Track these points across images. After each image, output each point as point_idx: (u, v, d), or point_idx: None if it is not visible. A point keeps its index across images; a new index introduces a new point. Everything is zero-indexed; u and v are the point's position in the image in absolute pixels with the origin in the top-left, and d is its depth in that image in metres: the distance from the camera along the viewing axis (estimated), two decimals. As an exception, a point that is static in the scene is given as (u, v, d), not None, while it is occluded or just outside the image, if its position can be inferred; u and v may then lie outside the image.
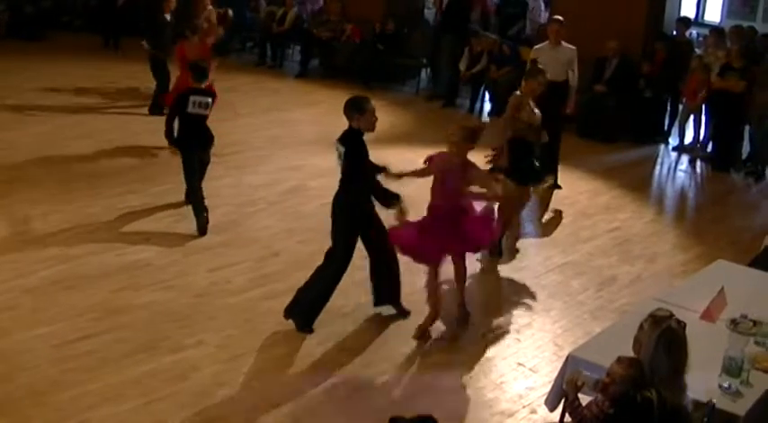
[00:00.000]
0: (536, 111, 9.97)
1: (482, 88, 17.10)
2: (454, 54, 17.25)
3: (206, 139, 10.74)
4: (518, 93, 10.16)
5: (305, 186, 12.01)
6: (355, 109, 8.48)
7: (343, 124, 8.48)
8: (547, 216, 11.84)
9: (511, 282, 9.81)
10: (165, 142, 11.10)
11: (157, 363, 7.53)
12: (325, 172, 12.28)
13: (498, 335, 8.53)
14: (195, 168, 10.54)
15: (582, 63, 12.73)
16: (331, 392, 7.29)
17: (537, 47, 12.76)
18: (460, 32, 17.42)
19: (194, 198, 10.50)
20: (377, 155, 12.87)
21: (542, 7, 18.50)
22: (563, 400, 6.34)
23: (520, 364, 7.99)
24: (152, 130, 14.03)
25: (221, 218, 10.65)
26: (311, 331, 8.16)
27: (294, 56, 20.46)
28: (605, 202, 12.48)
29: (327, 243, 10.06)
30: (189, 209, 10.48)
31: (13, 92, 16.03)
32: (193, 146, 10.59)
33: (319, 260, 9.32)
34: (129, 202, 10.99)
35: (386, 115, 15.98)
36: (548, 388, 7.04)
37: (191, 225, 10.22)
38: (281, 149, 13.76)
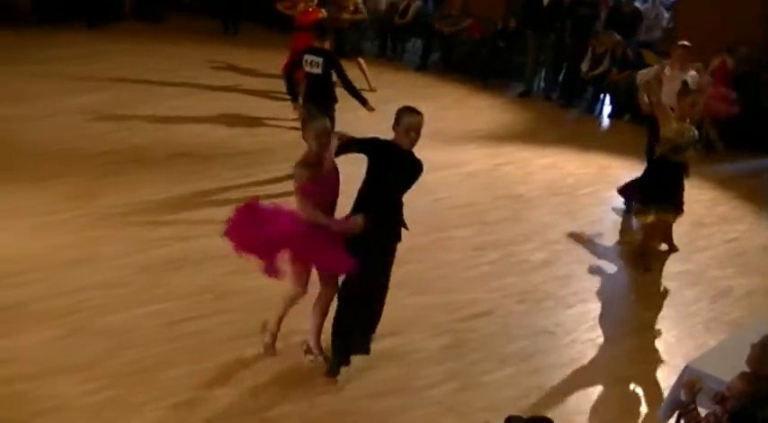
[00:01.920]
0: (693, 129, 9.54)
1: (603, 90, 16.87)
2: (575, 54, 17.03)
3: (327, 98, 11.46)
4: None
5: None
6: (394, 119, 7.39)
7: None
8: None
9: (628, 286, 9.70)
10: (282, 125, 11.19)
11: (259, 349, 7.59)
12: (440, 167, 12.29)
13: (610, 339, 8.41)
14: None
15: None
16: (437, 387, 7.25)
17: (657, 72, 11.79)
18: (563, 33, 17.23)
19: None
20: (494, 152, 12.89)
21: (664, 13, 18.08)
22: (677, 412, 6.22)
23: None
24: (271, 114, 14.21)
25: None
26: None
27: (414, 49, 20.42)
28: (723, 212, 12.13)
29: (438, 238, 10.10)
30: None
31: (133, 73, 16.35)
32: (315, 104, 11.06)
33: (426, 257, 9.35)
34: (244, 186, 11.09)
35: (503, 113, 15.97)
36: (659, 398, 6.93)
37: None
38: (397, 142, 13.65)
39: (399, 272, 9.02)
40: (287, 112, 14.18)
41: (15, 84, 15.15)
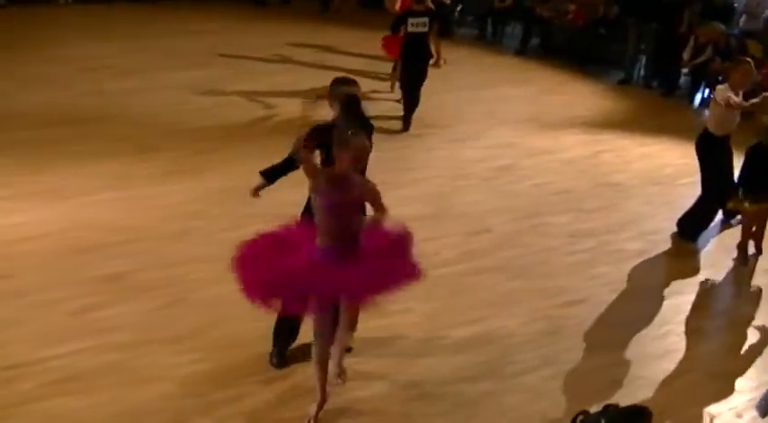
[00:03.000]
0: None
1: (703, 80, 16.65)
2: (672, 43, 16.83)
3: (424, 54, 13.22)
4: None
5: (518, 165, 11.96)
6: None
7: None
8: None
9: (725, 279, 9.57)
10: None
11: (363, 327, 7.62)
12: (539, 152, 12.31)
13: (705, 332, 8.36)
14: (413, 77, 13.09)
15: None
16: (530, 373, 7.27)
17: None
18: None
19: (410, 98, 13.12)
20: (593, 139, 12.82)
21: (766, 2, 17.72)
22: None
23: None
24: (366, 92, 14.29)
25: (433, 189, 10.81)
26: None
27: (514, 33, 20.35)
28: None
29: (536, 223, 10.10)
30: (401, 184, 10.64)
31: (233, 50, 16.60)
32: (413, 59, 12.96)
33: (524, 242, 9.38)
34: (345, 166, 11.20)
35: (602, 100, 15.87)
36: (756, 394, 6.87)
37: (404, 193, 10.35)
38: (496, 126, 13.73)
39: (498, 256, 9.17)
40: (382, 90, 14.32)
41: (123, 58, 15.58)
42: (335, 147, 5.96)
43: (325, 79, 14.73)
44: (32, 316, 7.51)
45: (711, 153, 9.79)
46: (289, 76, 15.36)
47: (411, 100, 13.23)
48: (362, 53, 16.63)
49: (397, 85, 13.91)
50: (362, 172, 6.36)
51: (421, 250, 9.03)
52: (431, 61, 13.90)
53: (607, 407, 5.20)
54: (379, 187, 9.37)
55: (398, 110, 13.38)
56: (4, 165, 10.64)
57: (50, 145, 11.38)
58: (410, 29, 12.99)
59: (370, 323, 7.64)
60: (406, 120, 13.19)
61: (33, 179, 10.27)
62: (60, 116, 12.55)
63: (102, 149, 11.28)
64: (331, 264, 5.90)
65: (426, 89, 13.73)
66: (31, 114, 12.58)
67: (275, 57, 16.58)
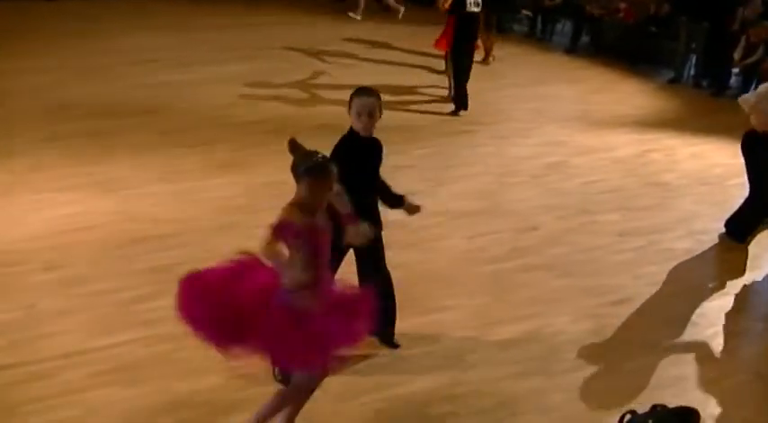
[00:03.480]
0: None
1: (755, 80, 16.50)
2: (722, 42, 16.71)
3: (476, 35, 13.86)
4: None
5: (567, 163, 11.92)
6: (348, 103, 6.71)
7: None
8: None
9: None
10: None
11: (408, 322, 7.61)
12: (589, 150, 12.28)
13: (754, 334, 8.28)
14: (468, 56, 13.68)
15: None
16: (578, 371, 7.23)
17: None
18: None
19: (462, 77, 13.61)
20: (642, 138, 12.75)
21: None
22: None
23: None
24: (419, 90, 14.33)
25: (482, 186, 10.80)
26: None
27: (564, 30, 20.28)
28: None
29: (585, 222, 10.07)
30: (448, 181, 10.64)
31: (284, 44, 16.68)
32: (467, 39, 13.53)
33: (573, 240, 9.35)
34: (394, 161, 11.19)
35: (652, 99, 15.79)
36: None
37: (452, 189, 10.37)
38: (545, 123, 13.70)
39: (546, 253, 9.14)
40: (435, 88, 14.35)
41: (177, 50, 15.77)
42: (309, 179, 5.18)
43: (374, 75, 15.04)
44: (82, 306, 7.59)
45: (757, 152, 9.71)
46: (338, 71, 15.42)
47: (463, 78, 13.71)
48: (419, 49, 16.65)
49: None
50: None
51: (469, 246, 9.17)
52: (480, 58, 14.02)
53: (655, 407, 5.19)
54: (427, 183, 9.44)
55: (447, 107, 13.41)
56: (56, 156, 10.81)
57: (103, 137, 11.55)
58: (468, 8, 13.35)
59: (417, 319, 7.68)
60: (459, 97, 13.69)
61: (85, 170, 10.41)
62: (113, 108, 12.74)
63: (154, 142, 11.42)
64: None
65: (475, 86, 13.78)
66: (83, 105, 12.77)
67: (326, 51, 16.65)
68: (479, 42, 15.33)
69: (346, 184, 6.02)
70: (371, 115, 6.43)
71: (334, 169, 5.22)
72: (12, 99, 13.08)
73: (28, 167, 10.48)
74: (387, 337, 7.23)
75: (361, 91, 6.52)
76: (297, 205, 5.22)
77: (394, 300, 7.12)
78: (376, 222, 6.66)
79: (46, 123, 12.03)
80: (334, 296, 5.54)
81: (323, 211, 5.35)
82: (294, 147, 5.32)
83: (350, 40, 17.68)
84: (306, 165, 5.19)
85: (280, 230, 5.07)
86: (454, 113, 13.68)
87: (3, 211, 9.35)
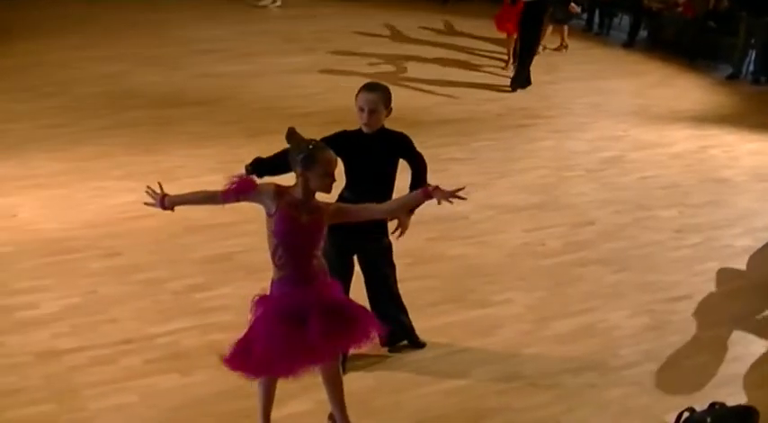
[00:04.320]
0: None
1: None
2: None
3: (542, 20, 14.52)
4: None
5: (624, 158, 11.86)
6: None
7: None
8: None
9: None
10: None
11: (464, 315, 7.66)
12: (646, 145, 12.22)
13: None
14: (537, 38, 14.65)
15: None
16: (635, 367, 7.18)
17: None
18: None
19: (528, 58, 14.48)
20: (700, 134, 12.63)
21: None
22: None
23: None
24: (479, 84, 14.33)
25: (539, 179, 10.79)
26: None
27: (622, 25, 20.16)
28: None
29: (642, 217, 10.02)
30: (506, 174, 10.65)
31: (345, 36, 16.76)
32: (535, 23, 14.36)
33: (630, 235, 9.31)
34: (451, 154, 11.26)
35: (710, 94, 15.65)
36: None
37: (509, 182, 10.36)
38: (602, 118, 13.63)
39: (603, 248, 9.11)
40: (496, 83, 14.35)
41: (237, 41, 15.94)
42: (299, 168, 5.21)
43: (435, 68, 15.08)
44: (141, 293, 7.69)
45: None
46: (399, 64, 15.46)
47: (529, 59, 14.58)
48: (480, 43, 16.67)
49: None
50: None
51: (525, 240, 9.16)
52: (554, 47, 14.32)
53: (713, 405, 5.16)
54: (484, 176, 9.40)
55: (504, 98, 13.39)
56: (118, 144, 10.95)
57: (165, 126, 11.70)
58: None
59: (473, 312, 7.70)
60: (519, 76, 14.61)
61: (146, 159, 10.55)
62: (176, 97, 12.90)
63: (214, 132, 11.53)
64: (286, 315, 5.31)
65: (533, 80, 13.82)
66: (145, 94, 12.93)
67: (387, 44, 16.69)
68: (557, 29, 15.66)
69: (348, 178, 6.27)
70: (373, 111, 6.18)
71: (326, 156, 5.19)
72: (79, 87, 13.28)
73: (91, 155, 10.64)
74: (416, 343, 7.17)
75: (366, 86, 6.31)
76: (283, 188, 5.26)
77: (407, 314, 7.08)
78: (383, 226, 6.60)
79: (110, 111, 12.21)
80: (332, 300, 5.44)
81: (318, 211, 5.28)
82: (290, 135, 5.30)
83: (411, 32, 17.71)
84: (296, 153, 5.22)
85: (237, 180, 5.24)
86: (512, 90, 14.41)
87: (66, 197, 9.50)
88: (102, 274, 7.97)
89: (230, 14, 18.41)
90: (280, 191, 5.24)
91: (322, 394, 5.95)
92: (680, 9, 18.58)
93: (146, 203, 5.67)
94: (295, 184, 5.27)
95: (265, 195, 5.23)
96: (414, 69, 15.13)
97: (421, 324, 7.30)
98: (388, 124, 6.43)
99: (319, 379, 5.83)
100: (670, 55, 17.92)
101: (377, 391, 6.58)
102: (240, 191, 5.22)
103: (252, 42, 16.21)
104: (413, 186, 6.37)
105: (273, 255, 5.33)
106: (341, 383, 5.86)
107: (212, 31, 16.98)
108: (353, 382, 6.55)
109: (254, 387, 5.81)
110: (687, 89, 15.96)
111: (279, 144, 10.36)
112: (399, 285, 7.32)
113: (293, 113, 12.32)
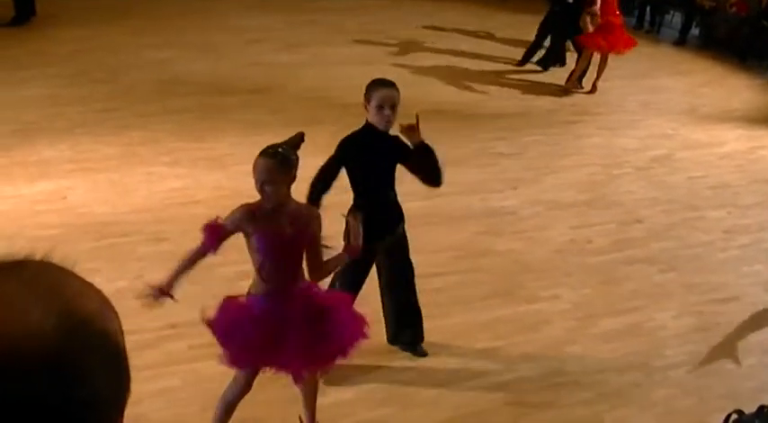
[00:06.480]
0: None
1: None
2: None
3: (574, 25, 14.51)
4: None
5: (673, 156, 11.77)
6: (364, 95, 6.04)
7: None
8: None
9: None
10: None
11: (510, 310, 7.66)
12: (696, 145, 12.11)
13: None
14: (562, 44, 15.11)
15: None
16: (679, 367, 7.14)
17: None
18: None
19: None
20: (751, 135, 12.52)
21: None
22: None
23: None
24: (531, 79, 14.29)
25: (587, 176, 10.74)
26: None
27: (673, 22, 20.00)
28: None
29: (691, 217, 9.95)
30: (555, 170, 10.62)
31: (393, 28, 16.76)
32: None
33: (678, 235, 9.24)
34: (498, 149, 11.24)
35: (761, 94, 15.54)
36: None
37: (558, 179, 10.33)
38: (652, 116, 13.54)
39: (651, 247, 9.06)
40: (547, 80, 14.30)
41: (289, 31, 16.00)
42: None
43: (486, 62, 15.05)
44: (187, 279, 7.70)
45: None
46: (449, 58, 15.45)
47: (562, 40, 15.39)
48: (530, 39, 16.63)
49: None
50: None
51: (572, 237, 9.13)
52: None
53: (762, 408, 5.10)
54: (533, 172, 9.36)
55: (555, 94, 13.34)
56: (167, 131, 11.00)
57: (213, 113, 11.74)
58: None
59: (519, 308, 7.69)
60: (550, 54, 15.41)
61: (194, 146, 10.59)
62: (224, 85, 12.94)
63: (263, 120, 11.56)
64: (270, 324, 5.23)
65: (584, 77, 13.73)
66: (196, 82, 12.99)
67: (438, 37, 16.68)
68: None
69: (361, 183, 6.08)
70: (395, 108, 5.83)
71: (285, 162, 5.06)
72: (130, 73, 13.36)
73: (141, 140, 10.69)
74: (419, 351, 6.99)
75: (381, 82, 5.92)
76: (253, 205, 5.12)
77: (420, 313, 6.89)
78: (399, 219, 6.51)
79: (160, 98, 12.28)
80: (315, 310, 5.27)
81: (301, 219, 5.13)
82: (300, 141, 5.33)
83: (465, 26, 17.68)
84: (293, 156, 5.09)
85: (206, 229, 5.14)
86: (543, 68, 15.29)
87: (116, 182, 9.56)
88: (149, 258, 8.00)
89: (278, 3, 18.45)
90: (251, 209, 5.08)
91: (363, 381, 5.96)
92: (733, 8, 18.41)
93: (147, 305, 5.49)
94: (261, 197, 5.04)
95: (239, 222, 5.09)
96: (465, 63, 15.10)
97: (464, 317, 7.33)
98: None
99: (357, 365, 5.83)
100: (721, 54, 17.76)
101: (419, 383, 6.58)
102: (213, 237, 5.14)
103: (300, 32, 16.24)
104: (425, 172, 6.23)
105: (260, 270, 5.21)
106: (316, 393, 5.79)
107: (260, 20, 17.03)
108: (396, 374, 6.58)
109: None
110: (738, 89, 15.81)
111: (326, 134, 10.48)
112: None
113: (345, 103, 12.25)
